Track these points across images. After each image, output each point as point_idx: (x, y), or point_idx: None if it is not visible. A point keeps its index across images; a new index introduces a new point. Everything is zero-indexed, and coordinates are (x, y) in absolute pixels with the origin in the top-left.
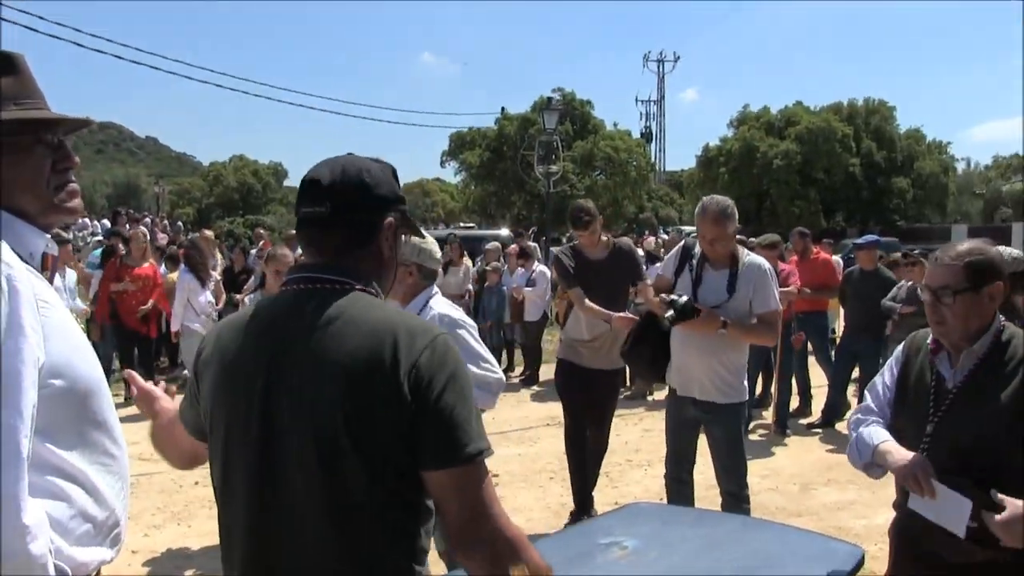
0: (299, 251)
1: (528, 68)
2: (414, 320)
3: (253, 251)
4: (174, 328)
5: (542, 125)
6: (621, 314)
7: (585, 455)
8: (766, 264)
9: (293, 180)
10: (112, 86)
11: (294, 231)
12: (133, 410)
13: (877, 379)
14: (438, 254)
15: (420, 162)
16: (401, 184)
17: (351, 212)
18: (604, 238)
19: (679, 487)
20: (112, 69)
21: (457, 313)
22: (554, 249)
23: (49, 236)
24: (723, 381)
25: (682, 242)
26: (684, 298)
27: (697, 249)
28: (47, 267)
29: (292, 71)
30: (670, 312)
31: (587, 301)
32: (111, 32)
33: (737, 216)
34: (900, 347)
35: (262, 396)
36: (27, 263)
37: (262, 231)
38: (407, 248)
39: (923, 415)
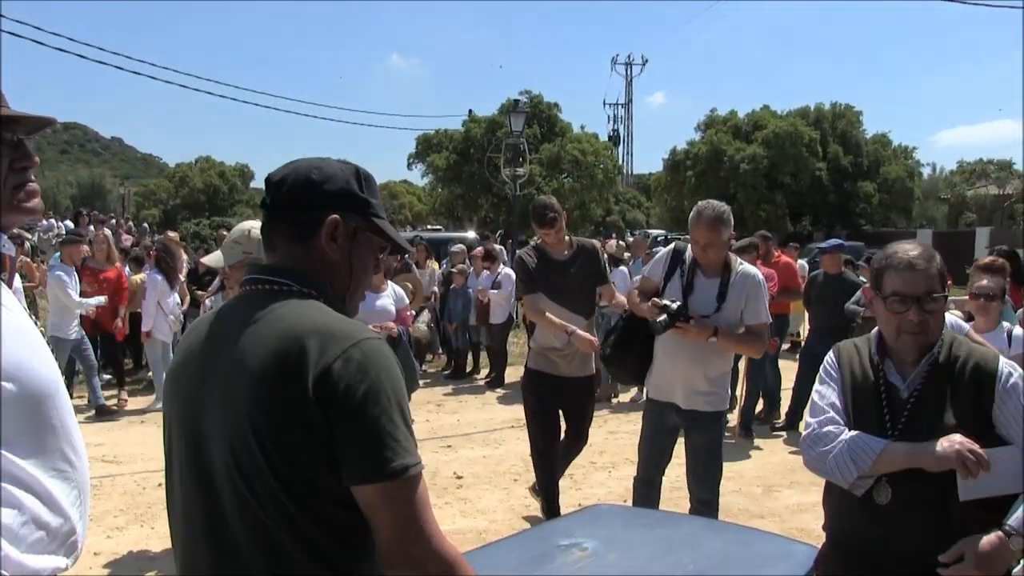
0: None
1: (495, 70)
2: (337, 324)
3: None
4: (145, 329)
5: (509, 128)
6: (583, 333)
7: (555, 466)
8: (760, 275)
9: (259, 182)
10: (77, 86)
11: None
12: (94, 412)
13: (825, 390)
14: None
15: (387, 164)
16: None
17: (294, 210)
18: (567, 238)
19: (648, 491)
20: (76, 69)
21: None
22: (519, 252)
23: (6, 237)
24: (708, 390)
25: (672, 245)
26: (676, 304)
27: (688, 254)
28: (4, 268)
29: (260, 73)
30: (663, 316)
31: (548, 314)
32: (74, 31)
33: (732, 222)
34: (831, 357)
35: (196, 403)
36: None
37: (227, 232)
38: (252, 246)
39: (878, 429)
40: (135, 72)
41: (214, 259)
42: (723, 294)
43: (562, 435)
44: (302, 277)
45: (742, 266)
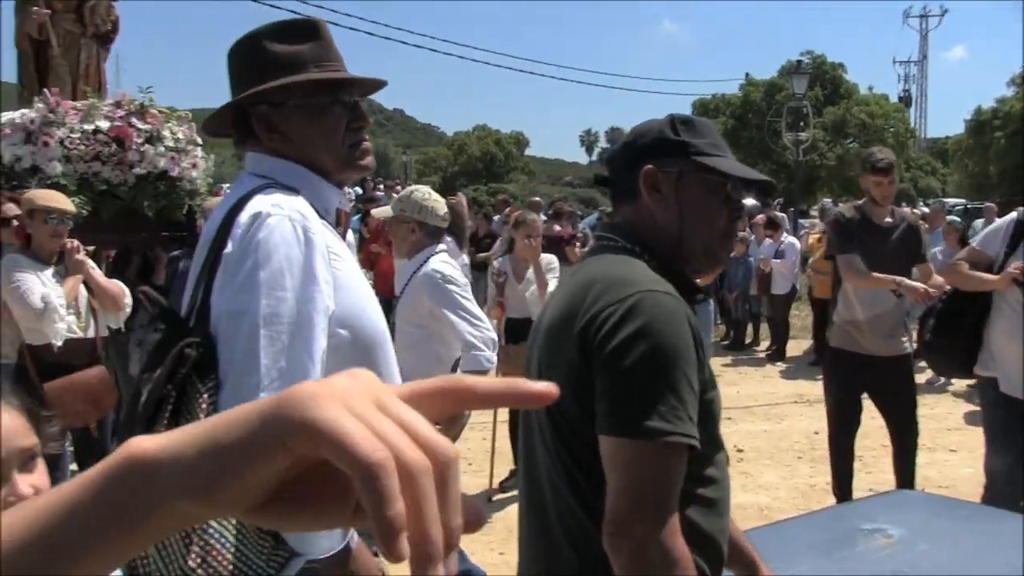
0: (542, 216)
1: (773, 31)
2: (628, 274)
3: (496, 217)
4: None
5: (791, 90)
6: (911, 282)
7: (851, 459)
8: None
9: (534, 149)
10: (362, 61)
11: (536, 198)
12: None
13: None
14: (442, 211)
15: None
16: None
17: (617, 171)
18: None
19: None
20: (363, 45)
21: (448, 270)
22: (837, 208)
23: (344, 192)
24: None
25: (1013, 214)
26: None
27: None
28: (341, 222)
29: (533, 42)
30: None
31: (866, 270)
32: (362, 10)
33: None
34: None
35: (530, 353)
36: (323, 218)
37: (502, 197)
38: (408, 205)
39: None
40: (417, 46)
41: (383, 212)
42: None
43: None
44: (628, 234)
45: None
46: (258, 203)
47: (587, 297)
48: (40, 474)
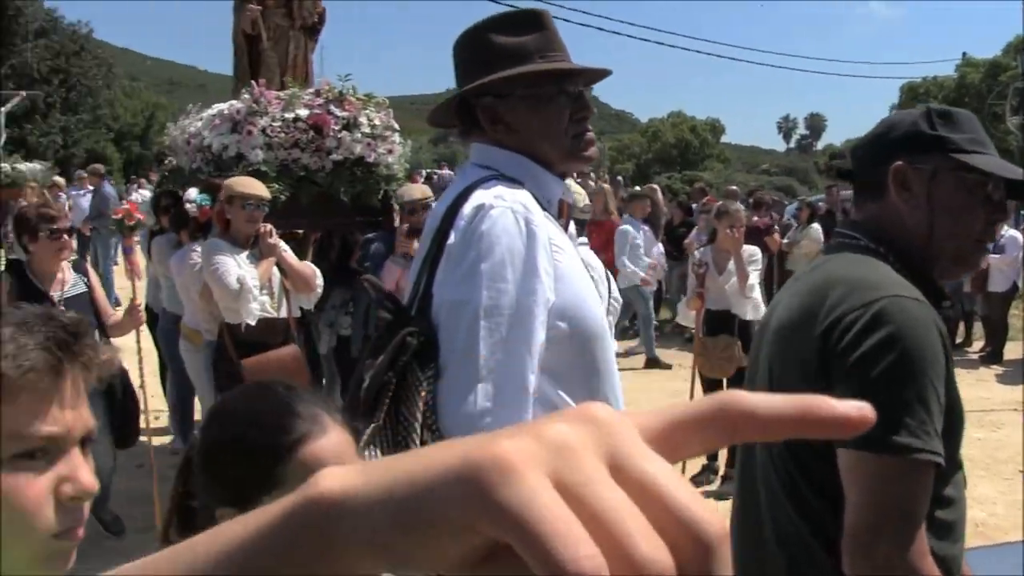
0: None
1: (996, 5)
2: (872, 277)
3: (695, 206)
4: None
5: (1018, 69)
6: None
7: None
8: None
9: (730, 136)
10: None
11: (733, 187)
12: (644, 364)
13: None
14: (582, 204)
15: (867, 118)
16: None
17: (864, 169)
18: None
19: None
20: (564, 33)
21: None
22: None
23: (566, 183)
24: None
25: None
26: None
27: None
28: (563, 214)
29: (728, 26)
30: None
31: None
32: None
33: None
34: None
35: (756, 353)
36: (545, 209)
37: (702, 186)
38: None
39: None
40: (614, 32)
41: None
42: None
43: None
44: (872, 233)
45: None
46: (481, 195)
47: (828, 299)
48: None
